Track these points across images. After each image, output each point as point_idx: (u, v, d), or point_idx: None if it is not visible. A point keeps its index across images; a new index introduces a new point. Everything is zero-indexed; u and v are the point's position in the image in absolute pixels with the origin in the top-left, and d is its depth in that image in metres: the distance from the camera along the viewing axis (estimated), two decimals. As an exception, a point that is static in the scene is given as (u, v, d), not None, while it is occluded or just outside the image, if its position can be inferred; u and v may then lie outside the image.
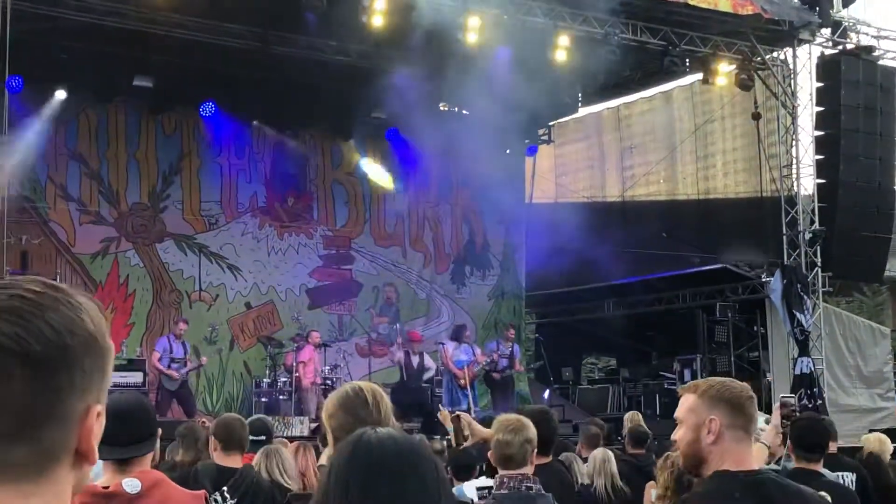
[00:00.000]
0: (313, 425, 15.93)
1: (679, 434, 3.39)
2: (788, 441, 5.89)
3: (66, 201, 17.90)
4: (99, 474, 4.09)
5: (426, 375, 17.79)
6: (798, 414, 6.22)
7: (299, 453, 7.70)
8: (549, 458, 5.81)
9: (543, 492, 4.79)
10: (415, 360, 17.83)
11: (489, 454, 5.13)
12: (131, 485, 3.64)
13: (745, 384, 3.42)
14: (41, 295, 1.33)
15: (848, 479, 7.52)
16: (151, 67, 17.34)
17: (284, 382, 17.33)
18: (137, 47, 16.57)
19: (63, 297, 1.35)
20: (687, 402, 3.38)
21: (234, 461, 5.92)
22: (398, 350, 18.39)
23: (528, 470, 4.83)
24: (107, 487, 3.63)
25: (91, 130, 18.14)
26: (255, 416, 9.36)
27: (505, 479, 4.80)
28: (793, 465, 5.80)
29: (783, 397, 5.93)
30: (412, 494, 2.05)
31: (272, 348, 18.42)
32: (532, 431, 4.92)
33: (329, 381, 17.73)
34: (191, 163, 19.03)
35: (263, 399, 17.23)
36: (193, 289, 18.78)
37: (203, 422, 10.80)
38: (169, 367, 16.18)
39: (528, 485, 4.74)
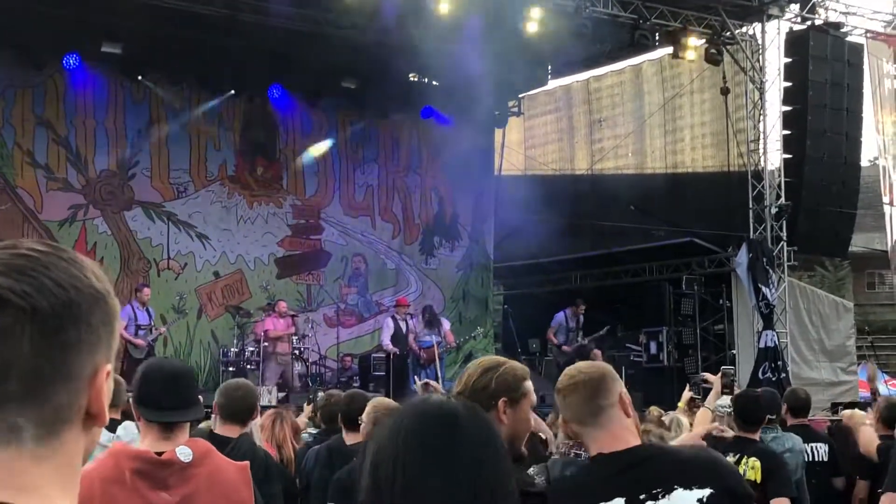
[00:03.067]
0: (281, 395, 15.98)
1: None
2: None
3: (33, 168, 17.74)
4: (114, 438, 4.05)
5: (410, 340, 17.91)
6: (736, 383, 6.85)
7: (276, 423, 7.50)
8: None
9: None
10: (403, 325, 17.98)
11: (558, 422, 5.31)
12: (184, 453, 3.63)
13: (571, 371, 3.32)
14: (44, 253, 1.32)
15: (821, 449, 8.12)
16: (120, 34, 17.19)
17: (252, 352, 17.34)
18: (106, 13, 16.40)
19: (67, 256, 1.34)
20: None
21: (232, 431, 5.71)
22: (386, 316, 18.56)
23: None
24: (160, 454, 3.60)
25: (58, 96, 17.96)
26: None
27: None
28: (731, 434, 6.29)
29: (724, 368, 6.59)
30: (489, 461, 2.01)
31: (240, 318, 18.41)
32: None
33: (297, 351, 17.78)
34: (159, 130, 18.88)
35: (231, 369, 17.22)
36: (161, 257, 18.70)
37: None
38: (136, 334, 16.13)
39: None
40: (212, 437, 5.58)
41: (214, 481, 3.71)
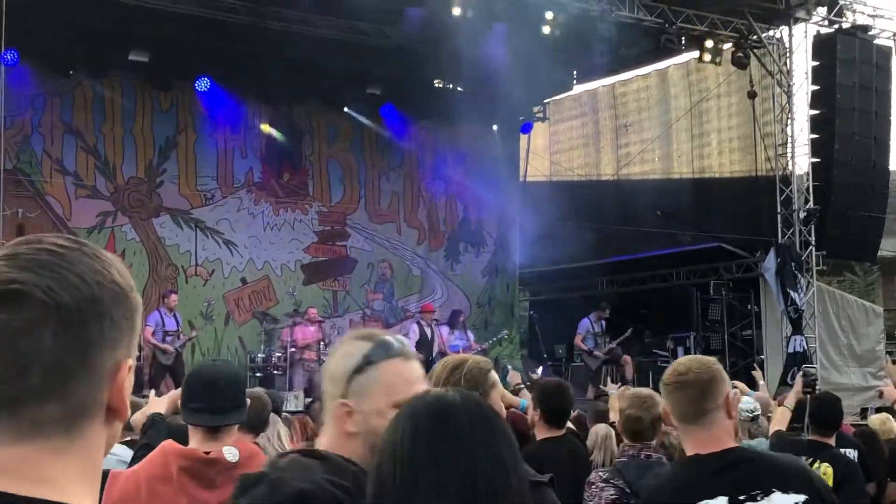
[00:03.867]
0: (307, 400, 15.99)
1: None
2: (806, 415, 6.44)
3: (62, 175, 17.87)
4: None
5: (435, 346, 17.93)
6: (817, 384, 6.69)
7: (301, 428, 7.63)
8: (563, 431, 5.85)
9: (664, 460, 5.06)
10: (427, 331, 18.00)
11: (617, 424, 5.51)
12: (231, 453, 3.69)
13: (681, 367, 3.36)
14: (68, 248, 1.33)
15: (851, 454, 7.96)
16: (147, 42, 17.29)
17: (279, 358, 17.36)
18: (133, 22, 16.50)
19: (90, 251, 1.35)
20: None
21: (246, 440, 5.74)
22: (412, 322, 18.59)
23: (652, 443, 5.14)
24: (208, 453, 3.63)
25: (87, 104, 18.08)
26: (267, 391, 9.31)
27: (626, 448, 5.10)
28: (808, 437, 6.28)
29: (805, 367, 6.52)
30: (505, 454, 1.98)
31: (267, 324, 18.44)
32: (660, 408, 5.11)
33: (324, 357, 17.78)
34: (187, 137, 18.99)
35: (258, 374, 17.25)
36: (189, 264, 18.79)
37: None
38: (163, 340, 16.19)
39: (648, 454, 5.03)
40: None
41: None
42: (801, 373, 6.26)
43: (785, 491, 3.11)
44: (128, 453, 4.59)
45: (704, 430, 3.23)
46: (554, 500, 3.12)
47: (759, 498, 3.10)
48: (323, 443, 2.51)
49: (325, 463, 2.35)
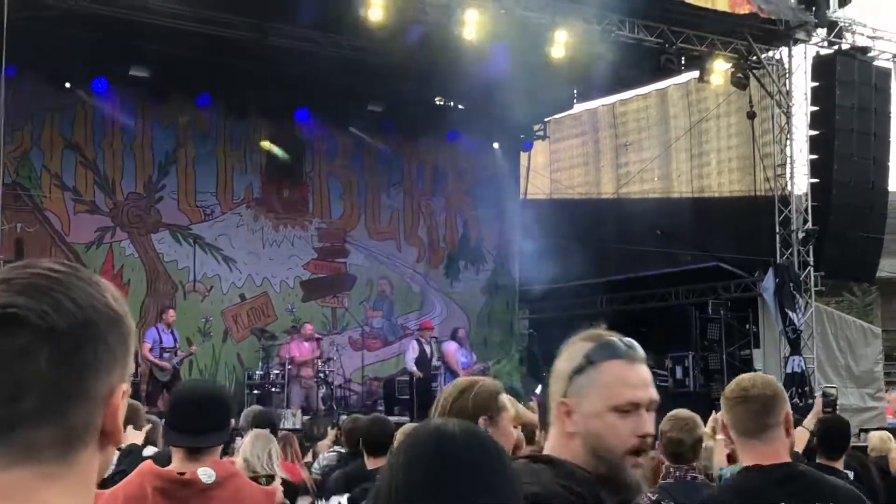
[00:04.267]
0: (305, 418, 15.97)
1: None
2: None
3: (61, 190, 17.87)
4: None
5: (434, 364, 17.92)
6: (836, 404, 6.66)
7: (284, 448, 7.63)
8: None
9: (708, 482, 5.14)
10: (427, 348, 18.01)
11: (658, 445, 5.37)
12: (207, 474, 3.66)
13: (745, 382, 3.45)
14: (63, 273, 1.33)
15: (848, 475, 7.89)
16: (148, 57, 17.33)
17: (277, 375, 17.33)
18: (134, 37, 16.54)
19: (84, 276, 1.35)
20: None
21: None
22: (411, 339, 18.60)
23: (697, 464, 5.18)
24: (182, 474, 3.62)
25: (87, 120, 18.11)
26: (262, 409, 9.34)
27: (671, 470, 5.11)
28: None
29: (825, 387, 6.50)
30: (504, 488, 1.93)
31: (265, 340, 18.42)
32: (702, 429, 5.25)
33: (322, 374, 17.76)
34: (186, 153, 19.00)
35: (256, 391, 17.23)
36: (188, 279, 18.78)
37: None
38: (161, 357, 16.15)
39: (693, 475, 5.06)
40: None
41: (237, 503, 3.72)
42: (820, 393, 6.26)
43: None
44: None
45: (766, 444, 3.31)
46: None
47: None
48: (547, 445, 2.51)
49: (556, 468, 2.33)
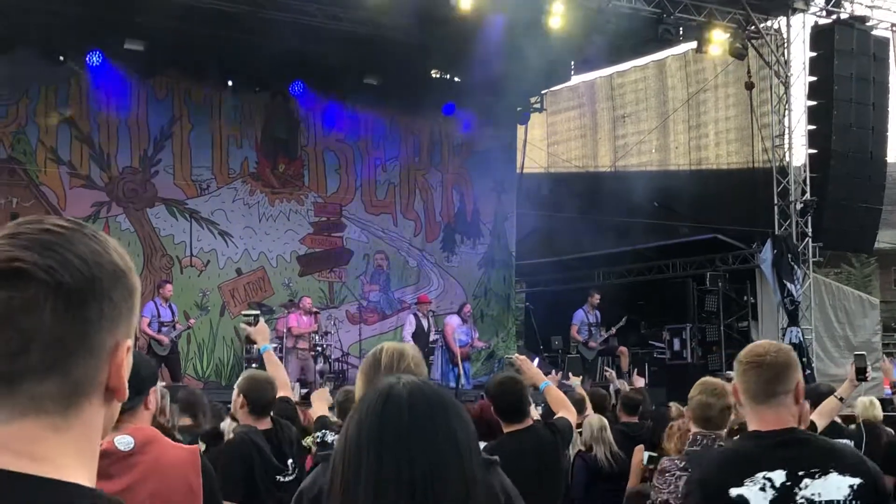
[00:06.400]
0: (304, 391, 15.96)
1: None
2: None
3: (56, 164, 17.79)
4: None
5: (432, 337, 17.93)
6: (868, 370, 6.81)
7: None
8: (525, 424, 5.77)
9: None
10: (424, 322, 18.02)
11: (686, 411, 5.64)
12: (124, 442, 3.58)
13: (761, 349, 3.46)
14: (69, 229, 1.35)
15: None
16: (143, 31, 17.20)
17: (275, 349, 17.26)
18: (129, 10, 16.42)
19: (90, 232, 1.37)
20: None
21: (266, 423, 5.81)
22: (408, 313, 18.61)
23: (723, 432, 5.23)
24: None
25: (82, 94, 18.00)
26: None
27: (698, 437, 5.20)
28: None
29: (856, 354, 6.53)
30: (446, 449, 2.01)
31: (262, 314, 18.37)
32: (731, 397, 5.18)
33: (319, 348, 17.76)
34: (182, 128, 18.91)
35: (254, 365, 17.17)
36: (184, 254, 18.73)
37: None
38: (159, 331, 16.16)
39: (720, 442, 5.11)
40: (259, 433, 5.60)
41: (158, 468, 3.67)
42: (852, 360, 6.27)
43: (842, 473, 3.23)
44: None
45: (772, 410, 3.34)
46: (502, 479, 3.12)
47: (816, 476, 3.22)
48: None
49: None
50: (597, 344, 18.86)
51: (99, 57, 17.59)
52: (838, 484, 3.20)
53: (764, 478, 3.21)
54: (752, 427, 3.39)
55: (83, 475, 1.33)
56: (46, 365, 1.29)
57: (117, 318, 1.35)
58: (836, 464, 3.24)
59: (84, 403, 1.33)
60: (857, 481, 3.22)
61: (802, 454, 3.26)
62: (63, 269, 1.30)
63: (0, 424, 1.29)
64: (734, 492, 3.22)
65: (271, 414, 5.92)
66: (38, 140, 17.67)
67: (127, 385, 1.39)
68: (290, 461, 5.76)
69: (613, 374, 13.69)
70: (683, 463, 5.08)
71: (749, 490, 3.21)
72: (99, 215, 18.01)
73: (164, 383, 6.94)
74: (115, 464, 3.51)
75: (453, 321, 18.30)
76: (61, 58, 17.53)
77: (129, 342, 1.39)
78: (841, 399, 6.54)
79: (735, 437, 3.48)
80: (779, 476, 3.21)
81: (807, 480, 3.20)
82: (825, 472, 3.22)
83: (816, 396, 7.90)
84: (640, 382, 12.09)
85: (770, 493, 3.20)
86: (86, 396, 1.33)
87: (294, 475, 5.70)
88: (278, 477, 5.57)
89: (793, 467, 3.22)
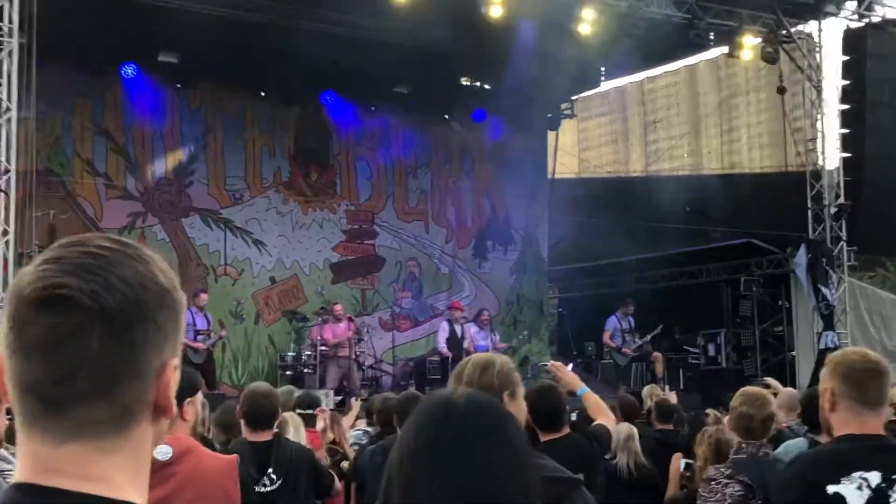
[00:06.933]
0: (337, 399, 16.04)
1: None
2: None
3: (92, 176, 17.97)
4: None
5: (465, 344, 17.93)
6: None
7: (333, 425, 7.82)
8: (562, 433, 5.79)
9: (780, 458, 5.24)
10: (458, 328, 18.05)
11: (727, 420, 5.67)
12: (162, 451, 3.63)
13: (871, 357, 3.54)
14: (111, 251, 1.34)
15: None
16: (176, 43, 17.35)
17: (309, 356, 17.42)
18: (162, 23, 16.56)
19: (133, 252, 1.36)
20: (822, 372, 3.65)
21: (265, 436, 5.78)
22: (441, 320, 18.64)
23: (765, 440, 5.30)
24: None
25: (117, 106, 18.18)
26: (303, 390, 9.38)
27: (743, 445, 5.22)
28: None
29: None
30: (503, 460, 2.00)
31: (296, 322, 18.50)
32: (773, 406, 5.37)
33: (354, 355, 17.83)
34: (216, 138, 19.06)
35: (288, 372, 17.31)
36: (219, 263, 18.87)
37: None
38: (195, 339, 16.28)
39: (766, 450, 5.20)
40: (251, 446, 5.62)
41: (195, 477, 3.71)
42: None
43: None
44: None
45: (877, 416, 3.45)
46: (587, 499, 3.12)
47: None
48: None
49: None
50: (630, 350, 18.80)
51: (133, 69, 17.77)
52: None
53: (860, 477, 3.30)
54: (844, 431, 3.45)
55: (135, 494, 1.35)
56: (95, 390, 1.29)
57: (163, 339, 1.35)
58: None
59: (133, 425, 1.34)
60: None
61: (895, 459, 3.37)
62: (107, 293, 1.29)
63: (51, 448, 1.30)
64: (831, 489, 3.31)
65: (273, 427, 5.89)
66: (74, 152, 17.86)
67: (175, 403, 1.39)
68: (272, 474, 5.73)
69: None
70: (729, 471, 5.09)
71: (846, 488, 3.30)
72: (135, 226, 18.18)
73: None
74: (154, 473, 3.54)
75: (471, 329, 18.31)
76: (97, 71, 17.70)
77: (176, 361, 1.39)
78: None
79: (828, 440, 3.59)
80: (875, 477, 3.30)
81: None
82: None
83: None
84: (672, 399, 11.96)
85: (866, 493, 3.28)
86: (135, 418, 1.34)
87: (275, 486, 5.70)
88: (257, 488, 5.51)
89: (888, 470, 3.31)
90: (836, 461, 3.39)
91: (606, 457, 8.33)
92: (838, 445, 3.49)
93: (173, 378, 1.38)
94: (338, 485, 6.29)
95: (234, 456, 4.16)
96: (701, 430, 6.80)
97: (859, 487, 3.29)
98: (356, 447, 8.21)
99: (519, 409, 3.38)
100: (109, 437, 1.31)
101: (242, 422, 5.80)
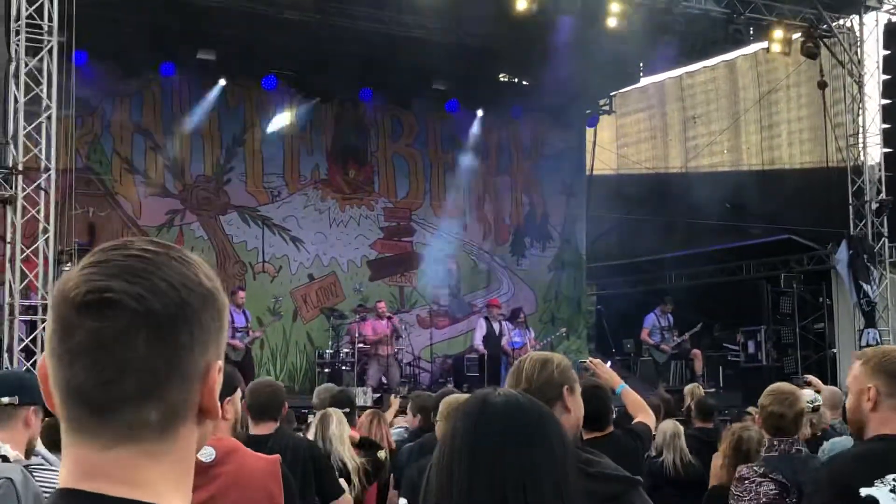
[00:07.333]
0: (376, 396, 16.05)
1: (847, 401, 3.59)
2: None
3: (131, 174, 18.10)
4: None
5: (503, 342, 17.91)
6: None
7: (373, 422, 7.81)
8: (606, 431, 5.76)
9: (812, 455, 5.31)
10: (496, 326, 18.03)
11: (757, 418, 5.67)
12: (206, 453, 3.63)
13: None
14: (155, 253, 1.34)
15: None
16: (214, 40, 17.44)
17: (347, 353, 17.44)
18: (200, 20, 16.66)
19: (177, 255, 1.36)
20: (853, 370, 3.55)
21: (266, 428, 5.79)
22: (479, 317, 18.64)
23: (798, 437, 5.29)
24: None
25: (155, 104, 18.30)
26: (339, 388, 9.40)
27: (775, 443, 5.20)
28: None
29: None
30: (539, 460, 2.02)
31: (335, 319, 18.54)
32: (803, 403, 5.37)
33: (397, 352, 17.85)
34: (253, 135, 19.13)
35: (326, 370, 17.35)
36: (257, 260, 18.95)
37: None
38: (233, 336, 16.31)
39: (798, 447, 5.18)
40: (249, 438, 5.60)
41: (239, 478, 3.71)
42: None
43: None
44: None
45: None
46: (645, 500, 3.09)
47: None
48: None
49: None
50: (669, 347, 18.70)
51: (172, 67, 17.86)
52: None
53: (894, 479, 3.25)
54: (883, 431, 3.40)
55: (179, 498, 1.35)
56: (141, 393, 1.29)
57: (207, 341, 1.35)
58: None
59: (179, 427, 1.33)
60: None
61: None
62: (153, 295, 1.29)
63: (97, 452, 1.30)
64: (864, 491, 3.25)
65: (277, 419, 5.90)
66: (112, 150, 17.99)
67: (219, 405, 1.39)
68: None
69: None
70: (763, 469, 5.05)
71: (879, 491, 3.25)
72: (173, 223, 18.29)
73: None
74: (198, 475, 3.54)
75: (507, 327, 18.30)
76: (135, 69, 17.82)
77: (220, 363, 1.38)
78: None
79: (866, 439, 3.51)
80: None
81: None
82: None
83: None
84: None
85: None
86: (181, 420, 1.33)
87: None
88: None
89: None
90: (870, 462, 3.34)
91: (651, 455, 8.31)
92: (874, 445, 3.44)
93: (218, 380, 1.38)
94: (347, 496, 6.15)
95: (277, 456, 4.16)
96: (727, 427, 6.79)
97: (893, 490, 3.23)
98: (397, 443, 8.22)
99: (577, 404, 3.39)
100: (156, 441, 1.31)
101: (248, 414, 5.78)
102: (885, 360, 3.45)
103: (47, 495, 3.72)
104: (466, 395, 6.53)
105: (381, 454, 7.08)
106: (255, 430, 5.77)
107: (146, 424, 1.30)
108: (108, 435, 1.30)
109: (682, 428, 8.57)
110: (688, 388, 11.77)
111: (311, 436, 6.92)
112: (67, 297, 1.30)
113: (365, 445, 7.00)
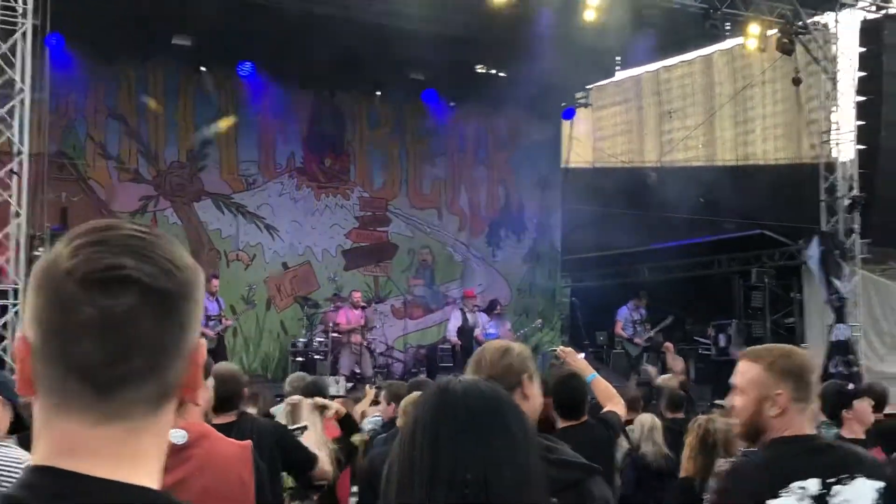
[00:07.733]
0: (349, 385, 16.07)
1: (739, 403, 3.38)
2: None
3: (105, 159, 17.99)
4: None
5: (476, 332, 17.94)
6: None
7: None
8: (581, 420, 5.80)
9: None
10: (470, 317, 18.07)
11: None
12: (178, 435, 3.65)
13: (805, 352, 3.50)
14: (150, 234, 1.36)
15: None
16: (190, 26, 17.33)
17: (321, 343, 17.43)
18: (176, 6, 16.56)
19: (163, 236, 1.38)
20: (751, 373, 3.35)
21: (229, 417, 5.68)
22: (454, 308, 18.63)
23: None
24: None
25: (130, 89, 18.20)
26: (311, 378, 9.36)
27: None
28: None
29: None
30: (500, 447, 2.03)
31: (308, 308, 18.51)
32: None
33: (369, 342, 17.85)
34: (229, 122, 19.03)
35: (299, 359, 17.33)
36: (231, 248, 18.89)
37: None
38: (206, 325, 16.27)
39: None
40: (214, 427, 5.56)
41: (211, 462, 3.72)
42: None
43: (869, 477, 3.22)
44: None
45: (811, 413, 3.45)
46: (602, 489, 3.11)
47: (845, 482, 3.19)
48: None
49: None
50: (642, 340, 18.79)
51: (147, 52, 17.76)
52: (866, 488, 3.19)
53: (799, 488, 3.17)
54: (783, 433, 3.29)
55: (155, 474, 1.36)
56: (148, 370, 1.30)
57: (197, 320, 1.38)
58: (863, 469, 3.23)
59: (165, 404, 1.35)
60: (881, 485, 3.21)
61: (829, 461, 3.23)
62: (160, 273, 1.31)
63: (87, 429, 1.29)
64: None
65: (239, 409, 5.80)
66: (86, 134, 17.88)
67: (202, 382, 1.41)
68: None
69: (653, 370, 13.62)
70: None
71: (786, 501, 3.17)
72: (147, 209, 18.21)
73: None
74: (170, 457, 3.56)
75: (482, 319, 18.34)
76: (110, 53, 17.70)
77: (203, 340, 1.41)
78: None
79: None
80: (813, 484, 3.17)
81: (836, 487, 3.17)
82: (853, 478, 3.19)
83: (879, 396, 7.75)
84: (678, 365, 11.94)
85: (807, 503, 3.17)
86: (168, 398, 1.35)
87: None
88: None
89: (825, 474, 3.18)
90: (772, 472, 3.25)
91: (631, 448, 8.37)
92: (775, 452, 3.31)
93: (204, 357, 1.40)
94: (324, 463, 6.08)
95: (249, 442, 4.16)
96: (693, 419, 6.82)
97: (800, 499, 3.17)
98: (372, 433, 8.21)
99: (535, 392, 3.41)
100: (145, 417, 1.33)
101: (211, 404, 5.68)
102: (790, 363, 3.32)
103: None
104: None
105: (356, 438, 7.07)
106: (217, 419, 5.71)
107: (144, 401, 1.32)
108: (101, 411, 1.30)
109: (658, 421, 8.63)
110: (660, 379, 11.88)
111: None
112: (67, 273, 1.29)
113: (344, 425, 6.96)
